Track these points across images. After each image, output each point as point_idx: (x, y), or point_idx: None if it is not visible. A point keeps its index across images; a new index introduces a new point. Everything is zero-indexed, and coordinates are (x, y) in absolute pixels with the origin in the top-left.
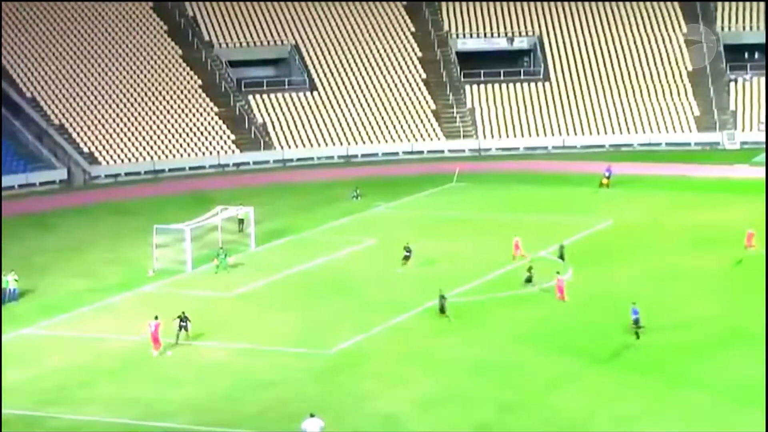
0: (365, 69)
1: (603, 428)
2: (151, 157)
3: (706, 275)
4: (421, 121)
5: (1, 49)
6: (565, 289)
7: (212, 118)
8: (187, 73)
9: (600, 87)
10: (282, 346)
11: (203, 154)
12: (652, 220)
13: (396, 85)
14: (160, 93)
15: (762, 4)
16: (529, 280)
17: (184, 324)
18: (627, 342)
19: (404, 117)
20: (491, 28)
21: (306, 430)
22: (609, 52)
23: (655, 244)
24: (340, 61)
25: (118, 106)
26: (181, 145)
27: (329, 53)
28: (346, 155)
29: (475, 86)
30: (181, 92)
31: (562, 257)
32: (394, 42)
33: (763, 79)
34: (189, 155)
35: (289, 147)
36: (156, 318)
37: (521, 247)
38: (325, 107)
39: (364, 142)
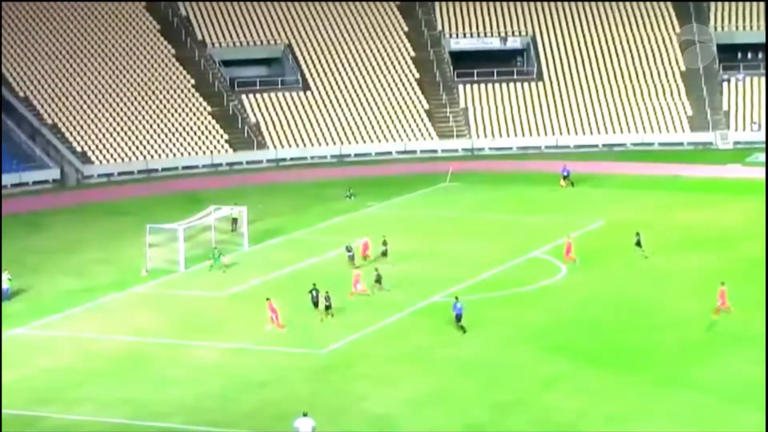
0: (358, 69)
1: (596, 428)
2: (144, 157)
3: (699, 275)
4: (414, 121)
5: None
6: (360, 283)
7: (205, 118)
8: (180, 73)
9: (593, 87)
10: (274, 346)
11: (196, 153)
12: (644, 220)
13: (389, 85)
14: (153, 92)
15: (756, 4)
16: (378, 280)
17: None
18: (621, 342)
19: (397, 117)
20: (484, 28)
21: (298, 429)
22: (602, 52)
23: (647, 244)
24: (334, 61)
25: (111, 105)
26: (174, 145)
27: (322, 53)
28: (339, 155)
29: (468, 86)
30: (174, 92)
31: (351, 256)
32: (388, 42)
33: (756, 79)
34: (182, 155)
35: (282, 146)
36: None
37: (371, 247)
38: (318, 107)
39: (357, 142)
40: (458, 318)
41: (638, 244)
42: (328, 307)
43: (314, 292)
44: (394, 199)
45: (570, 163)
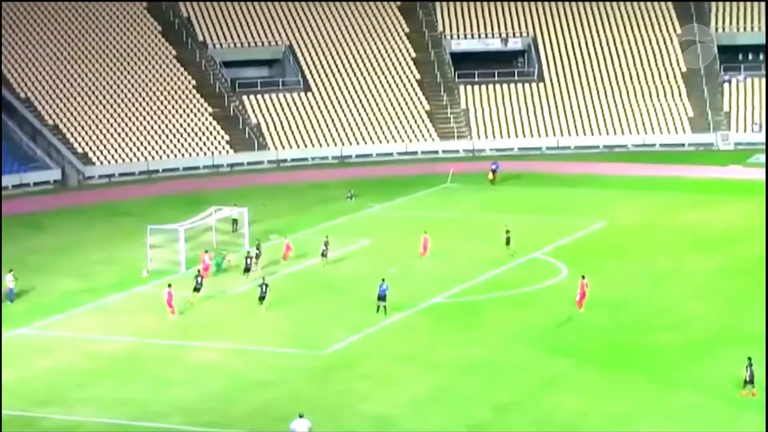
0: (359, 69)
1: (596, 428)
2: (145, 158)
3: (700, 276)
4: (416, 122)
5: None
6: (210, 269)
7: (206, 119)
8: (181, 74)
9: (594, 88)
10: (275, 347)
11: (197, 154)
12: (646, 221)
13: (390, 86)
14: (154, 93)
15: (757, 5)
16: (246, 269)
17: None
18: (622, 342)
19: (398, 117)
20: (485, 29)
21: (295, 430)
22: (603, 52)
23: (649, 245)
24: (335, 62)
25: (112, 106)
26: (175, 146)
27: (323, 54)
28: (340, 156)
29: (469, 87)
30: (175, 92)
31: (257, 254)
32: (389, 42)
33: (757, 80)
34: (183, 156)
35: (284, 147)
36: (169, 285)
37: (292, 249)
38: (319, 108)
39: (358, 143)
40: (381, 298)
41: (507, 242)
42: (262, 298)
43: (263, 287)
44: (395, 200)
45: (501, 162)
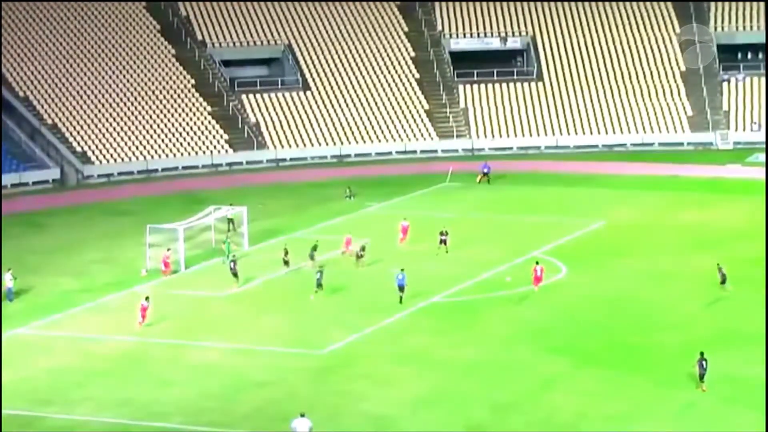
0: (358, 69)
1: (595, 428)
2: (144, 157)
3: (699, 275)
4: (414, 121)
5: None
6: (169, 263)
7: (205, 118)
8: (180, 73)
9: (593, 87)
10: (274, 347)
11: (196, 153)
12: (645, 221)
13: (389, 85)
14: (153, 92)
15: (756, 5)
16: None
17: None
18: (621, 342)
19: (397, 117)
20: (484, 28)
21: (296, 429)
22: (602, 52)
23: (647, 245)
24: (334, 61)
25: (111, 105)
26: (174, 145)
27: (322, 53)
28: (339, 155)
29: (468, 86)
30: (174, 92)
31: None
32: (388, 42)
33: (756, 80)
34: (182, 155)
35: (282, 147)
36: (147, 299)
37: (352, 243)
38: (318, 107)
39: (357, 142)
40: (400, 288)
41: (442, 243)
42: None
43: (319, 274)
44: (394, 200)
45: (492, 162)
